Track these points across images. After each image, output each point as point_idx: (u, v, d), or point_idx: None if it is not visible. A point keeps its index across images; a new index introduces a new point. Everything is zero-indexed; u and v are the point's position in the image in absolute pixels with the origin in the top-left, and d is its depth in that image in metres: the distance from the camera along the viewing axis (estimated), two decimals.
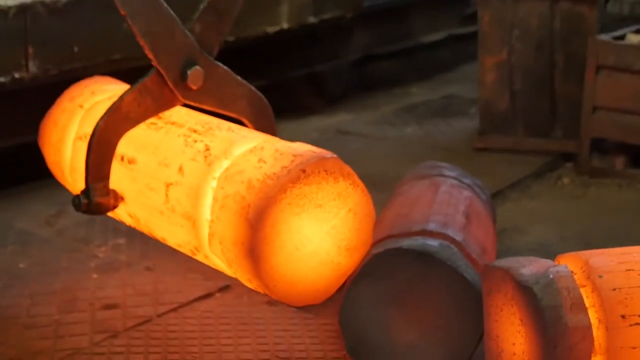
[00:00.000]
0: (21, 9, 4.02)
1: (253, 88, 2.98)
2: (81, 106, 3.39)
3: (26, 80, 4.11)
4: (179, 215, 3.02)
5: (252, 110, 2.99)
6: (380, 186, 4.33)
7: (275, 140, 2.97)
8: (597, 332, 2.36)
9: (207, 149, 2.96)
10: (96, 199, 3.04)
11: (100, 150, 3.00)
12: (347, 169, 2.79)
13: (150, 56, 2.89)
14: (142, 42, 2.87)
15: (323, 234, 2.76)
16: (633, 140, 4.58)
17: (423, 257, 2.72)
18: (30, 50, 4.08)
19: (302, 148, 2.85)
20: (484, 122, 4.99)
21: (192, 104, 3.01)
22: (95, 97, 3.36)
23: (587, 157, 4.65)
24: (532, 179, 4.61)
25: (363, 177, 4.48)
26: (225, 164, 2.91)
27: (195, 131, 3.06)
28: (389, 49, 6.30)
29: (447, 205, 3.12)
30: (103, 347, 2.97)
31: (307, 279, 2.77)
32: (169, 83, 2.91)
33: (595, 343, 2.36)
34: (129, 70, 4.57)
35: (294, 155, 2.75)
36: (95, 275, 3.44)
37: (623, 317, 2.35)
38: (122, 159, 3.18)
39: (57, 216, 3.98)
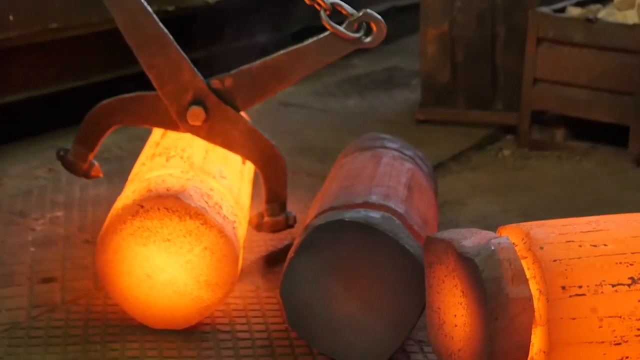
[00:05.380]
0: None
1: (266, 137, 3.09)
2: None
3: None
4: None
5: (260, 157, 3.09)
6: (322, 158, 4.32)
7: (171, 176, 3.02)
8: (538, 304, 2.38)
9: (142, 164, 3.22)
10: (70, 158, 3.14)
11: (91, 123, 3.10)
12: (194, 209, 2.82)
13: (155, 87, 3.03)
14: (147, 73, 3.02)
15: (177, 267, 2.87)
16: (573, 113, 4.62)
17: (365, 229, 2.71)
18: None
19: (165, 185, 2.91)
20: (425, 94, 5.00)
21: (195, 136, 3.13)
22: None
23: (528, 130, 4.69)
24: (473, 151, 4.63)
25: (305, 149, 4.50)
26: (133, 187, 3.05)
27: (161, 147, 3.25)
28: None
29: (389, 177, 3.12)
30: (41, 321, 2.94)
31: (162, 305, 2.89)
32: (172, 114, 3.04)
33: (536, 314, 2.37)
34: (66, 40, 4.51)
35: (148, 190, 2.88)
36: (32, 249, 3.39)
37: (563, 288, 2.37)
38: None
39: None
